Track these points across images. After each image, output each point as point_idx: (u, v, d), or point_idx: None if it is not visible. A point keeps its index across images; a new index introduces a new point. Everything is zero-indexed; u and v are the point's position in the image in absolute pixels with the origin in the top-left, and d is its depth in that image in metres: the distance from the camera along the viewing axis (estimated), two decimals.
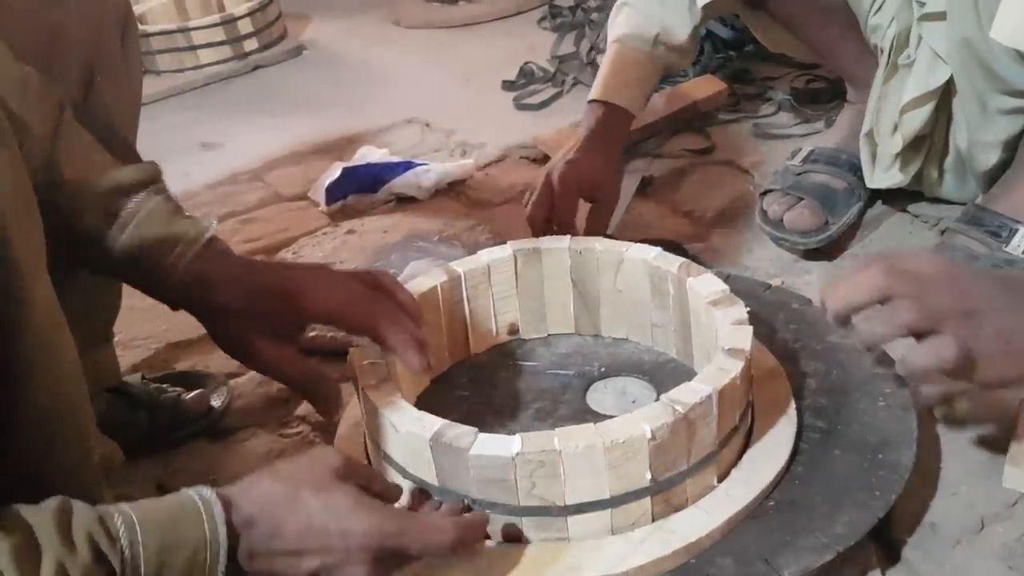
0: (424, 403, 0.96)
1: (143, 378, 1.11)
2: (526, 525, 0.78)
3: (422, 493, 0.80)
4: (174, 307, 0.84)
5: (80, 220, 0.78)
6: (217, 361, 1.19)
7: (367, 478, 0.74)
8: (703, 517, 0.79)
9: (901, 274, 0.77)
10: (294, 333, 0.85)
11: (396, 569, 0.71)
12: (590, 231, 1.20)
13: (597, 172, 1.22)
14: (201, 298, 0.82)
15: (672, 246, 1.37)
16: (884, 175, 1.24)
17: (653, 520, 0.79)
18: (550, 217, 1.18)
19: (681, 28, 1.28)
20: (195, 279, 0.81)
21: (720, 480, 0.83)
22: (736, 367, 0.81)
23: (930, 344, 0.75)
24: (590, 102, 1.29)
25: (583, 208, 1.22)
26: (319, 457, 0.72)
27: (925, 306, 0.75)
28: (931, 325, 0.75)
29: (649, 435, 0.75)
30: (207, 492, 0.64)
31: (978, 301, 0.76)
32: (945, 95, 1.15)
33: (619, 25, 1.32)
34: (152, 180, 0.84)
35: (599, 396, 0.98)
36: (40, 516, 0.57)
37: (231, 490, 0.66)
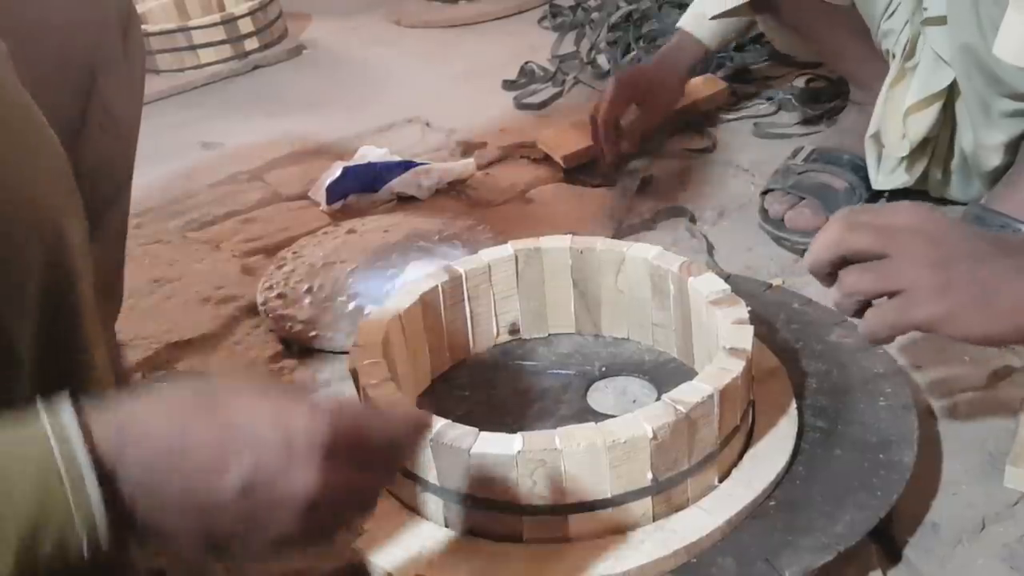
0: (425, 403, 0.96)
1: (143, 377, 1.11)
2: (527, 524, 0.78)
3: None
4: None
5: None
6: (217, 361, 1.19)
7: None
8: (704, 517, 0.79)
9: (864, 227, 0.73)
10: None
11: (355, 485, 0.52)
12: (631, 129, 1.47)
13: (655, 75, 1.48)
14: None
15: (679, 212, 1.38)
16: (890, 177, 1.24)
17: (654, 520, 0.79)
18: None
19: None
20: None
21: (721, 480, 0.83)
22: (737, 367, 0.81)
23: (894, 304, 0.72)
24: (677, 26, 1.50)
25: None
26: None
27: (890, 264, 0.72)
28: (896, 283, 0.72)
29: (651, 435, 0.75)
30: (68, 419, 0.45)
31: (952, 250, 0.72)
32: (949, 98, 1.15)
33: None
34: None
35: (600, 396, 0.98)
36: None
37: (119, 404, 0.49)
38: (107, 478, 0.45)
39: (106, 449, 0.45)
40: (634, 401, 0.97)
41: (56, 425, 0.45)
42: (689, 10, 1.48)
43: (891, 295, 0.73)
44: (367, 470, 0.53)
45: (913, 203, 0.75)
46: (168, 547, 0.48)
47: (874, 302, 0.75)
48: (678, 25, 1.50)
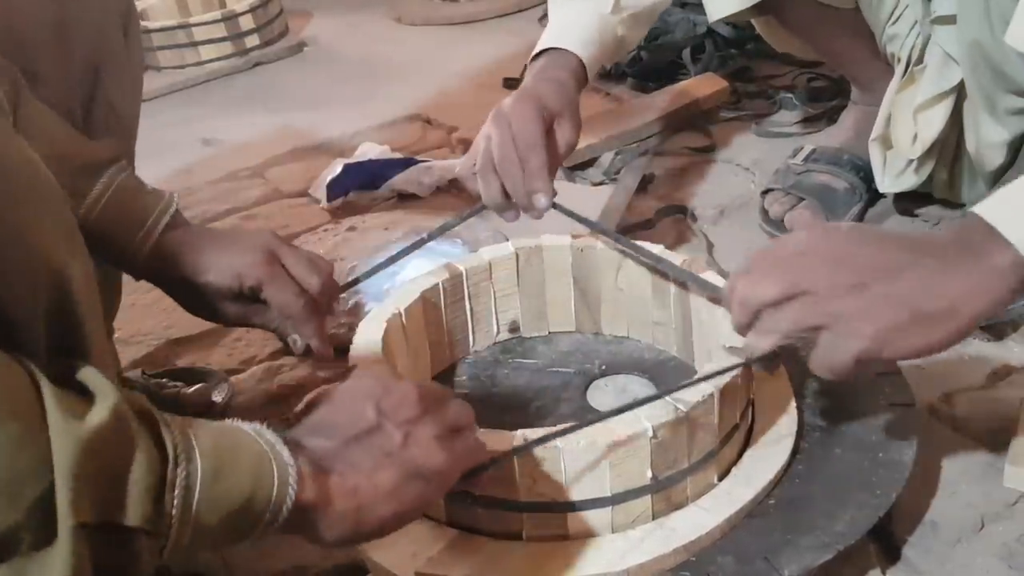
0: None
1: (143, 374, 1.11)
2: (526, 522, 0.78)
3: None
4: (137, 279, 0.92)
5: None
6: (218, 357, 1.19)
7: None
8: (704, 515, 0.79)
9: (766, 274, 0.70)
10: (247, 293, 0.91)
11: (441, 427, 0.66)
12: (556, 155, 1.05)
13: (555, 97, 1.07)
14: (162, 274, 0.90)
15: (679, 210, 1.38)
16: (897, 180, 1.23)
17: (654, 518, 0.79)
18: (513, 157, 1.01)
19: None
20: (160, 256, 0.89)
21: (721, 478, 0.83)
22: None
23: (822, 350, 0.69)
24: (533, 57, 1.14)
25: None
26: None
27: (805, 300, 0.68)
28: (814, 319, 0.69)
29: (650, 433, 0.75)
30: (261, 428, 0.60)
31: (863, 267, 0.68)
32: (958, 98, 1.15)
33: None
34: (117, 158, 0.89)
35: (600, 394, 0.98)
36: (90, 373, 0.53)
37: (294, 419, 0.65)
38: (296, 453, 0.59)
39: (288, 439, 0.60)
40: (633, 399, 0.97)
41: (256, 430, 0.59)
42: (546, 34, 1.16)
43: (816, 331, 0.70)
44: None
45: (812, 225, 0.71)
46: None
47: None
48: (535, 52, 1.15)
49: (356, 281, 1.03)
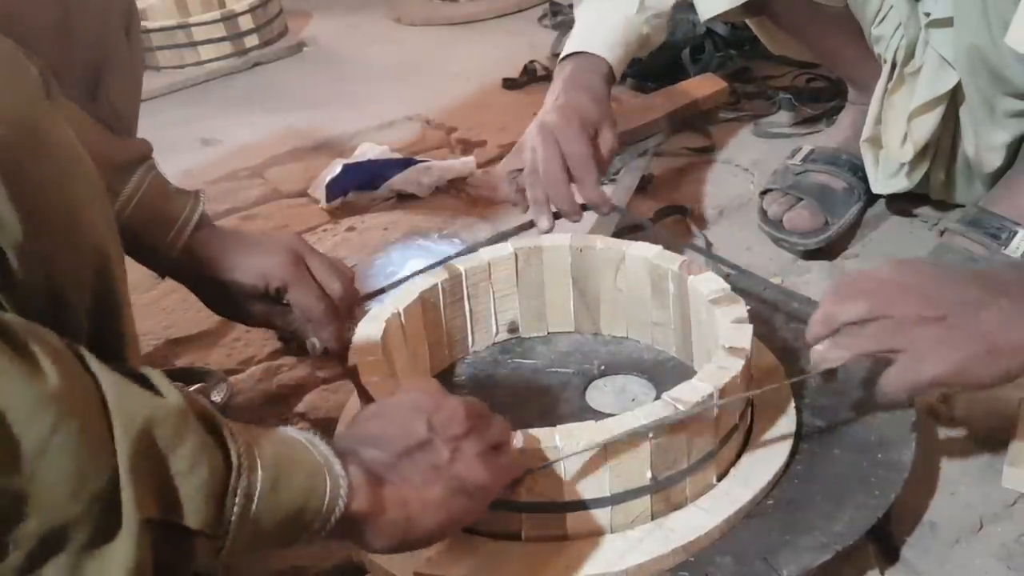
0: None
1: None
2: (525, 522, 0.78)
3: None
4: (162, 276, 0.95)
5: None
6: (217, 357, 1.19)
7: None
8: (702, 516, 0.79)
9: (853, 296, 0.75)
10: (271, 295, 0.96)
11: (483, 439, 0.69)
12: (603, 167, 1.13)
13: (593, 107, 1.12)
14: (191, 273, 0.95)
15: (679, 211, 1.38)
16: (890, 181, 1.23)
17: (653, 518, 0.79)
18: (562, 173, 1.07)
19: None
20: (189, 255, 0.93)
21: (719, 479, 0.83)
22: (736, 366, 0.81)
23: (899, 370, 0.74)
24: (561, 60, 1.20)
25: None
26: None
27: (887, 324, 0.74)
28: (895, 343, 0.74)
29: (650, 433, 0.75)
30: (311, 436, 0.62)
31: (945, 301, 0.74)
32: (952, 100, 1.15)
33: None
34: (146, 156, 0.92)
35: (599, 394, 0.98)
36: (156, 375, 0.54)
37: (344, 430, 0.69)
38: (346, 464, 0.61)
39: (342, 450, 0.62)
40: (633, 400, 0.97)
41: (310, 441, 0.60)
42: (575, 36, 1.21)
43: (892, 353, 0.75)
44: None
45: (897, 260, 0.77)
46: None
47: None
48: (565, 54, 1.20)
49: (381, 291, 1.05)
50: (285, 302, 0.95)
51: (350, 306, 0.99)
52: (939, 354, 0.73)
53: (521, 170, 1.13)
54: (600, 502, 0.77)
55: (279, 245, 0.96)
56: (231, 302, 0.96)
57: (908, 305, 0.74)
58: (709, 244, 1.31)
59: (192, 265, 0.93)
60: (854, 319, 0.75)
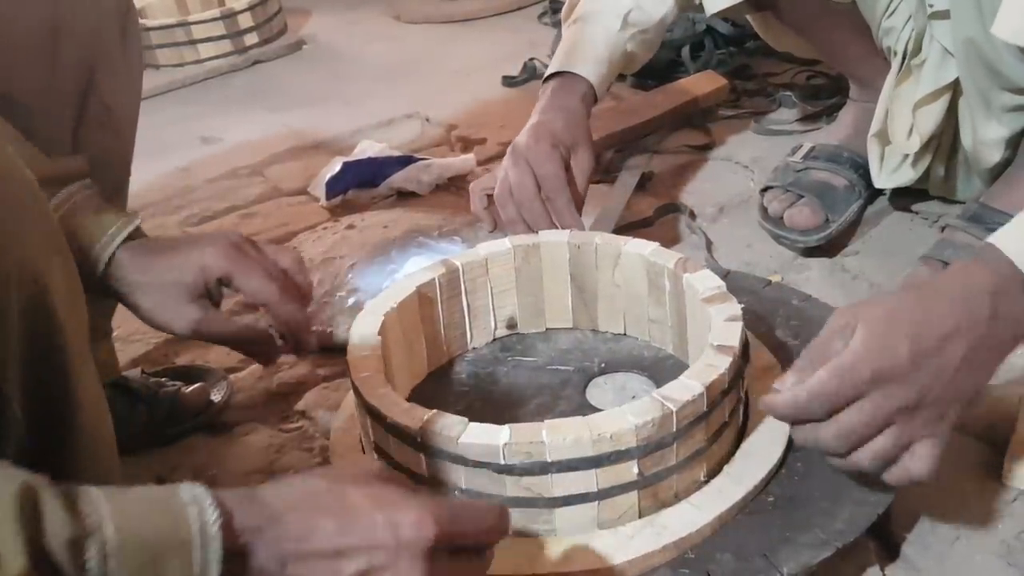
0: (425, 398, 0.96)
1: (142, 372, 1.11)
2: (513, 516, 0.78)
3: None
4: (104, 295, 0.87)
5: None
6: (217, 355, 1.19)
7: (406, 483, 0.66)
8: (694, 513, 0.79)
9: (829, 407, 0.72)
10: (212, 295, 0.87)
11: (456, 568, 0.61)
12: (576, 189, 1.13)
13: (569, 129, 1.14)
14: (122, 282, 0.85)
15: (679, 208, 1.38)
16: (893, 175, 1.23)
17: (640, 515, 0.79)
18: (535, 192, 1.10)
19: (656, 6, 1.24)
20: (116, 268, 0.84)
21: (711, 476, 0.82)
22: (724, 363, 0.81)
23: (905, 464, 0.74)
24: (546, 79, 1.22)
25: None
26: (358, 461, 0.70)
27: (886, 437, 0.73)
28: (908, 438, 0.74)
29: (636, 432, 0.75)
30: (200, 493, 0.52)
31: (924, 375, 0.72)
32: (956, 93, 1.15)
33: (585, 2, 1.27)
34: (80, 175, 0.86)
35: (599, 392, 0.98)
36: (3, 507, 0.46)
37: (258, 488, 0.57)
38: (237, 555, 0.52)
39: (240, 529, 0.52)
40: (633, 397, 0.97)
41: (197, 505, 0.51)
42: (559, 55, 1.23)
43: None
44: (462, 561, 0.62)
45: (867, 324, 0.73)
46: None
47: None
48: (549, 73, 1.22)
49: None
50: (219, 306, 0.87)
51: (307, 285, 0.91)
52: (927, 449, 0.74)
53: (491, 191, 1.15)
54: (587, 497, 0.77)
55: (213, 237, 0.88)
56: (169, 309, 0.85)
57: (888, 400, 0.72)
58: (709, 242, 1.31)
59: (123, 275, 0.84)
60: (834, 441, 0.74)
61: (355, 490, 0.58)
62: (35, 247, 0.58)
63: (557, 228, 1.09)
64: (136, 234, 0.86)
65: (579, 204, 1.14)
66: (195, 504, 0.51)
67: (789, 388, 0.73)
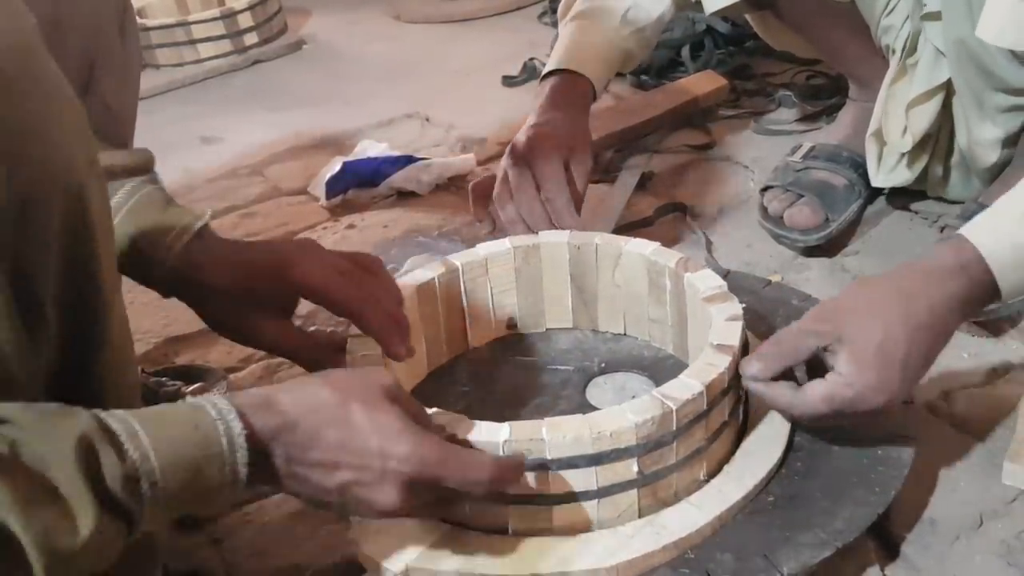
0: (425, 397, 0.96)
1: (143, 372, 1.11)
2: (512, 515, 0.78)
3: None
4: (166, 295, 0.84)
5: None
6: (217, 355, 1.19)
7: (414, 404, 0.72)
8: (694, 512, 0.79)
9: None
10: (287, 306, 0.86)
11: (427, 503, 0.69)
12: (576, 189, 1.13)
13: (568, 130, 1.14)
14: (192, 281, 0.82)
15: (679, 208, 1.38)
16: (890, 175, 1.24)
17: (640, 514, 0.79)
18: (531, 192, 1.11)
19: (654, 4, 1.25)
20: (187, 264, 0.81)
21: (711, 475, 0.83)
22: (723, 362, 0.81)
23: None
24: (544, 76, 1.22)
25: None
26: (370, 373, 0.71)
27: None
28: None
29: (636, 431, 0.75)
30: (225, 408, 0.60)
31: (901, 393, 0.79)
32: (948, 93, 1.15)
33: (582, 1, 1.27)
34: (146, 168, 0.84)
35: (599, 392, 0.98)
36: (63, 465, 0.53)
37: (275, 390, 0.65)
38: (259, 453, 0.62)
39: (261, 434, 0.62)
40: (633, 397, 0.97)
41: (223, 420, 0.60)
42: (559, 52, 1.23)
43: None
44: (434, 502, 0.70)
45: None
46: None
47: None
48: (549, 70, 1.23)
49: None
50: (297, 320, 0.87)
51: (398, 298, 0.88)
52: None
53: (491, 191, 1.15)
54: (586, 495, 0.77)
55: (295, 246, 0.86)
56: (240, 317, 0.83)
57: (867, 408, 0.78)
58: (709, 242, 1.31)
59: (193, 275, 0.82)
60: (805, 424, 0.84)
61: (360, 410, 0.65)
62: (77, 159, 0.60)
63: (556, 228, 1.09)
64: (205, 231, 0.84)
65: (578, 204, 1.14)
66: (222, 420, 0.60)
67: (757, 379, 0.80)
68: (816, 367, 0.80)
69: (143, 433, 0.56)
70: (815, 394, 0.78)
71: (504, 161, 1.13)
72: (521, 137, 1.13)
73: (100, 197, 0.63)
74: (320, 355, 0.86)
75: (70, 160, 0.59)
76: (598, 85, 1.21)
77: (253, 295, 0.83)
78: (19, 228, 0.56)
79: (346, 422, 0.65)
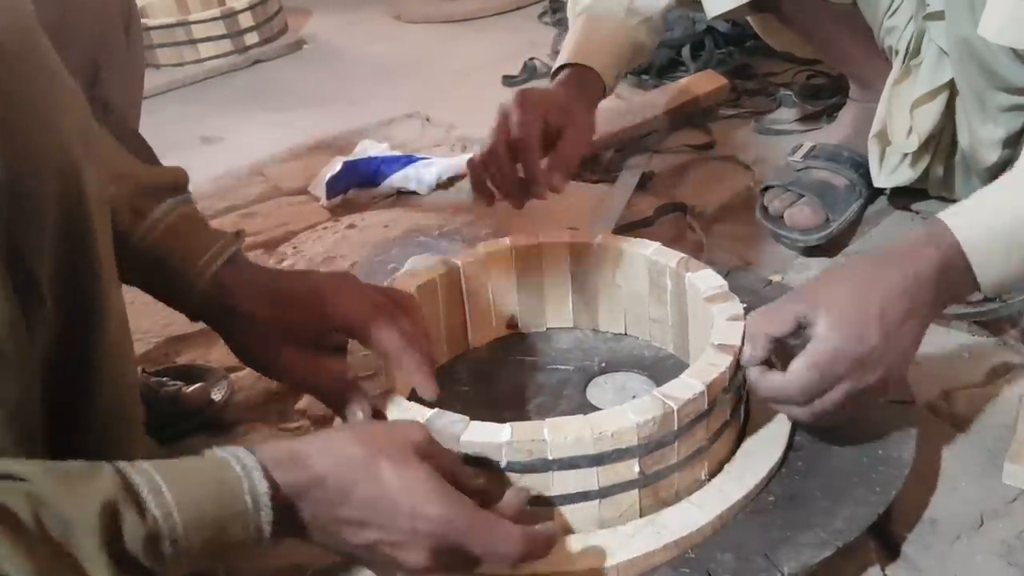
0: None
1: (143, 372, 1.11)
2: None
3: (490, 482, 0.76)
4: (194, 318, 0.82)
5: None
6: (217, 355, 1.19)
7: (447, 459, 0.70)
8: (695, 512, 0.79)
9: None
10: (319, 340, 0.81)
11: (454, 567, 0.66)
12: (555, 164, 1.07)
13: (566, 102, 1.12)
14: (224, 307, 0.80)
15: (679, 207, 1.38)
16: (892, 175, 1.24)
17: (641, 514, 0.79)
18: (508, 148, 1.06)
19: None
20: (219, 288, 0.79)
21: (712, 475, 0.83)
22: (724, 362, 0.81)
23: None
24: (555, 71, 1.21)
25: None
26: (402, 427, 0.70)
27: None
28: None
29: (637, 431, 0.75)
30: (250, 463, 0.59)
31: (889, 360, 0.79)
32: (952, 93, 1.15)
33: None
34: (181, 187, 0.83)
35: (599, 391, 0.98)
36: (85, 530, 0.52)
37: (302, 443, 0.64)
38: (285, 510, 0.61)
39: (287, 491, 0.61)
40: (634, 397, 0.97)
41: (248, 478, 0.59)
42: (569, 46, 1.22)
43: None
44: (462, 567, 0.67)
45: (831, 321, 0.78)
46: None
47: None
48: (559, 64, 1.21)
49: None
50: (331, 348, 0.81)
51: (430, 340, 0.84)
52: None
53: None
54: (588, 495, 0.77)
55: (333, 279, 0.82)
56: (272, 351, 0.79)
57: (860, 383, 0.79)
58: (709, 241, 1.31)
59: (225, 300, 0.79)
60: (807, 419, 0.82)
61: (390, 468, 0.64)
62: (72, 140, 0.60)
63: (518, 192, 1.07)
64: (237, 256, 0.82)
65: (560, 169, 1.07)
66: (247, 477, 0.59)
67: (751, 363, 0.81)
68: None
69: (167, 489, 0.55)
70: (799, 365, 0.78)
71: (496, 120, 1.09)
72: (512, 97, 1.10)
73: (97, 185, 0.63)
74: (350, 397, 0.81)
75: (66, 141, 0.59)
76: (607, 77, 1.20)
77: (285, 326, 0.80)
78: (13, 202, 0.56)
79: (375, 480, 0.63)
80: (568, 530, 0.78)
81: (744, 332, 0.83)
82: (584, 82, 1.18)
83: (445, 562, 0.65)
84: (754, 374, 0.81)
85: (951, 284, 0.81)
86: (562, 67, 1.21)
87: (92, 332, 0.63)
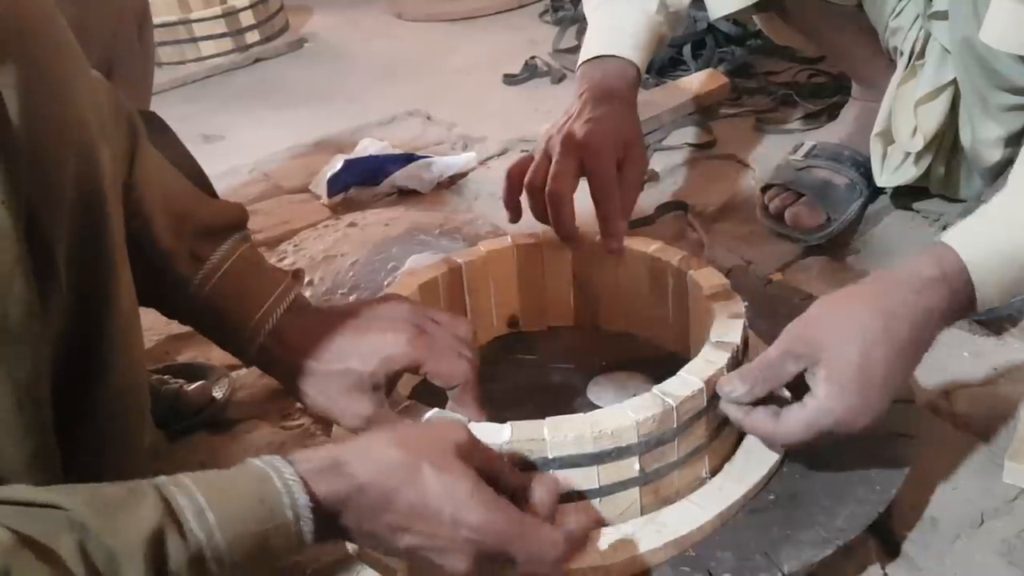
0: (426, 396, 0.96)
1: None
2: None
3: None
4: (249, 364, 0.84)
5: (163, 259, 0.78)
6: (219, 353, 1.18)
7: (489, 461, 0.69)
8: (695, 511, 0.79)
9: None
10: (377, 384, 0.80)
11: (495, 570, 0.66)
12: (628, 193, 1.03)
13: (622, 126, 1.06)
14: (282, 360, 0.81)
15: (680, 206, 1.38)
16: (895, 174, 1.23)
17: (642, 512, 0.79)
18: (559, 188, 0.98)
19: None
20: (277, 341, 0.80)
21: (712, 473, 0.83)
22: (723, 359, 0.81)
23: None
24: (583, 64, 1.15)
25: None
26: (442, 428, 0.70)
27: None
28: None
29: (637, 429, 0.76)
30: (291, 480, 0.59)
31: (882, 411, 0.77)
32: (956, 91, 1.15)
33: None
34: (240, 224, 0.83)
35: (600, 390, 0.98)
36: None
37: (342, 451, 0.63)
38: (326, 519, 0.61)
39: (328, 501, 0.61)
40: (634, 395, 0.97)
41: (289, 494, 0.59)
42: (596, 37, 1.18)
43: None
44: (503, 569, 0.66)
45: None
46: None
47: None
48: (587, 58, 1.15)
49: None
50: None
51: (474, 359, 0.83)
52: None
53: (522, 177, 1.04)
54: (588, 494, 0.77)
55: (392, 320, 0.81)
56: (340, 401, 0.79)
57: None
58: (710, 240, 1.31)
59: (284, 352, 0.80)
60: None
61: (431, 472, 0.63)
62: (88, 117, 0.61)
63: (599, 232, 1.00)
64: (295, 304, 0.82)
65: (629, 209, 1.04)
66: (287, 492, 0.58)
67: (740, 402, 0.78)
68: (796, 385, 0.79)
69: (208, 509, 0.55)
70: (796, 421, 0.76)
71: (551, 148, 1.02)
72: (579, 126, 1.04)
73: (111, 167, 0.64)
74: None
75: (84, 118, 0.61)
76: (643, 69, 1.16)
77: (343, 374, 0.79)
78: (34, 174, 0.57)
79: (417, 485, 0.63)
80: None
81: (741, 372, 0.79)
82: (625, 79, 1.12)
83: (487, 566, 0.65)
84: (737, 413, 0.79)
85: (956, 313, 0.80)
86: (596, 58, 1.15)
87: (103, 317, 0.64)
